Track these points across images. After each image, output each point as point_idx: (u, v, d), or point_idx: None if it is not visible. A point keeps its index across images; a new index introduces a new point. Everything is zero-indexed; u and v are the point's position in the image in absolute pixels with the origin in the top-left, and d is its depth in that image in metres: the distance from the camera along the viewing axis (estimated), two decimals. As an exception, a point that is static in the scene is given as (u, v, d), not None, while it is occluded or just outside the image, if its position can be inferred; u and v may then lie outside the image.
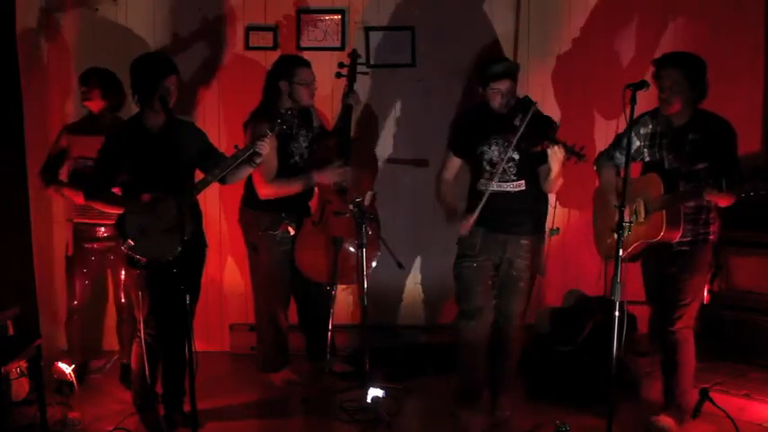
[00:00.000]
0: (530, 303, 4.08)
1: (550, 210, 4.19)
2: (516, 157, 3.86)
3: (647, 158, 3.79)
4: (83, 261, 4.41)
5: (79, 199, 4.17)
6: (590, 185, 4.22)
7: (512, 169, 3.88)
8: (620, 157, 3.78)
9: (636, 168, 3.79)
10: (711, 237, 3.71)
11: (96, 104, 4.37)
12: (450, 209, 4.07)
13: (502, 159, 3.82)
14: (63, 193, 4.37)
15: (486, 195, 3.79)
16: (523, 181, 3.89)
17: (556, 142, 3.60)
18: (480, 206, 3.79)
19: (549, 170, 3.72)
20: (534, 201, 3.95)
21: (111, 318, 4.87)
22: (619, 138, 3.84)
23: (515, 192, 3.89)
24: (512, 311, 3.98)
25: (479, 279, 3.96)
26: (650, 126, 3.76)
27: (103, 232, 4.37)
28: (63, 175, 4.42)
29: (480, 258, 3.95)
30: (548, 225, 4.13)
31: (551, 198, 4.15)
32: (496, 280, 3.99)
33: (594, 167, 3.96)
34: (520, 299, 3.98)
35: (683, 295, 3.68)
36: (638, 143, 3.79)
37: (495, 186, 3.85)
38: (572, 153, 3.63)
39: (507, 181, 3.88)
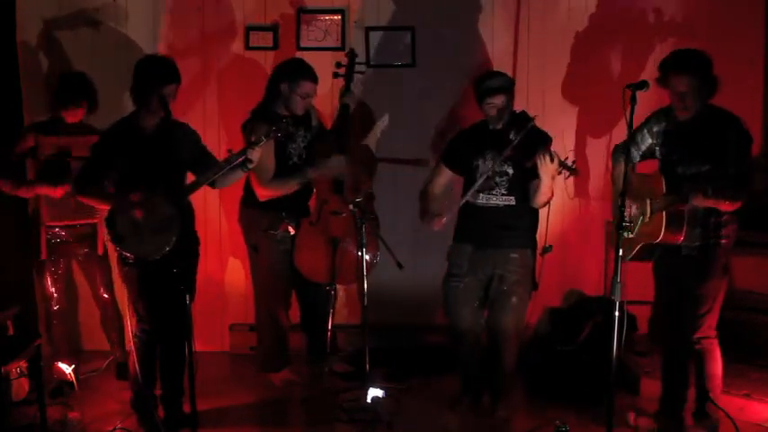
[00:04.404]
0: (524, 320, 4.00)
1: (541, 227, 3.95)
2: (510, 171, 3.86)
3: (660, 156, 3.68)
4: (56, 264, 4.41)
5: (55, 192, 4.16)
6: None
7: (504, 183, 3.88)
8: (634, 153, 3.69)
9: (653, 166, 3.74)
10: (723, 241, 3.51)
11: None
12: (432, 217, 3.97)
13: (491, 169, 3.80)
14: (37, 192, 4.25)
15: (479, 182, 3.79)
16: (513, 197, 3.88)
17: (549, 154, 3.60)
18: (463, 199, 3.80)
19: (540, 183, 3.71)
20: (523, 216, 3.91)
21: (86, 317, 4.89)
22: (633, 133, 3.59)
23: (503, 206, 3.88)
24: (504, 327, 3.91)
25: (465, 300, 3.97)
26: (663, 123, 3.64)
27: (67, 234, 4.34)
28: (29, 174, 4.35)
29: (467, 279, 3.95)
30: (540, 243, 3.94)
31: (542, 215, 3.98)
32: (489, 296, 3.95)
33: (611, 160, 3.88)
34: (512, 315, 3.91)
35: (700, 305, 3.54)
36: (650, 141, 3.69)
37: (482, 199, 3.86)
38: (564, 167, 3.64)
39: (496, 194, 3.88)
